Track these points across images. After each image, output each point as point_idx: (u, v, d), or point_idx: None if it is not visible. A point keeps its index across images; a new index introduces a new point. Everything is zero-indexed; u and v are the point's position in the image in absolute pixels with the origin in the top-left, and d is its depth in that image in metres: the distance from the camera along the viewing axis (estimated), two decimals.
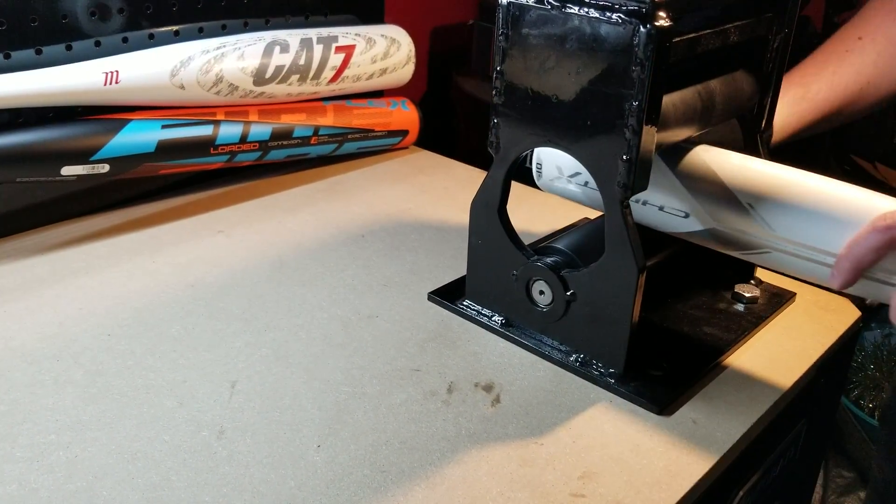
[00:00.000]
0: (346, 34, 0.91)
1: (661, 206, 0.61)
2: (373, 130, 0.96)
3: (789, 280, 0.73)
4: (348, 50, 0.90)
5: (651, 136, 0.52)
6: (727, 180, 0.59)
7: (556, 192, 0.68)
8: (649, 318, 0.66)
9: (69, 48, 0.75)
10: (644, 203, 0.62)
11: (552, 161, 0.66)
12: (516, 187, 0.62)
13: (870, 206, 0.53)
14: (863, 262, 0.51)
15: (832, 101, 0.75)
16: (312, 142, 0.90)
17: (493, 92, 0.58)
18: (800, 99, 0.74)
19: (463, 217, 0.65)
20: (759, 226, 0.57)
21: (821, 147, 1.59)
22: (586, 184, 0.64)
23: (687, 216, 0.60)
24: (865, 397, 1.45)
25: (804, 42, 1.40)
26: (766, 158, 0.65)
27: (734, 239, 0.58)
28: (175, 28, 0.82)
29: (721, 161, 0.60)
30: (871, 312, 1.43)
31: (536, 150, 0.67)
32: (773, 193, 0.56)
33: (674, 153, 0.61)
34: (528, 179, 0.69)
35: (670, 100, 0.57)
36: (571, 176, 0.65)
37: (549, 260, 0.61)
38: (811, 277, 0.56)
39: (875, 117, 1.48)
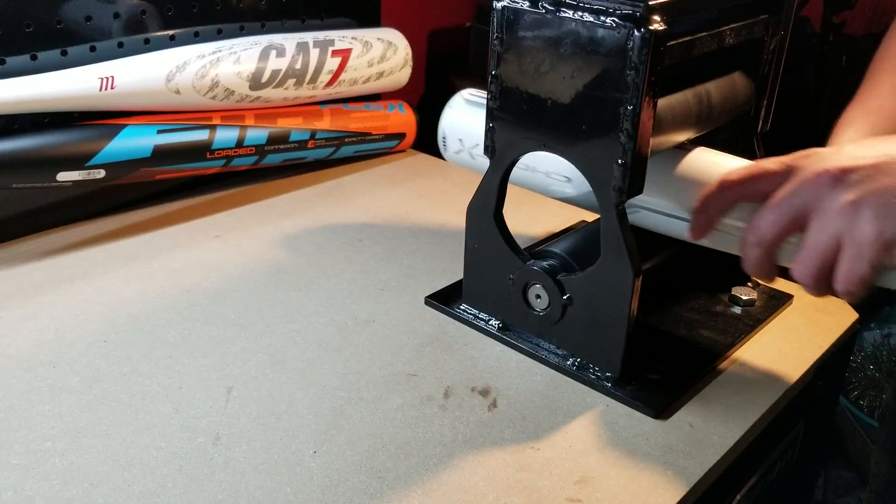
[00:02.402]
0: (342, 38, 0.91)
1: (548, 173, 0.64)
2: (370, 134, 0.95)
3: (787, 283, 0.73)
4: (345, 54, 0.90)
5: (646, 140, 0.52)
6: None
7: (461, 165, 0.71)
8: (646, 321, 0.65)
9: (64, 53, 0.75)
10: (532, 170, 0.65)
11: (455, 134, 0.70)
12: (513, 191, 0.62)
13: (721, 166, 0.57)
14: (713, 214, 0.56)
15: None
16: (309, 145, 0.90)
17: (489, 96, 0.58)
18: (863, 115, 0.72)
19: (460, 221, 0.65)
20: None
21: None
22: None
23: (569, 180, 0.63)
24: (865, 398, 1.45)
25: (803, 43, 1.40)
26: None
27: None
28: (171, 33, 0.82)
29: None
30: (870, 313, 1.43)
31: (441, 123, 0.71)
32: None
33: None
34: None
35: (666, 103, 0.57)
36: (473, 147, 0.68)
37: (545, 264, 0.60)
38: (672, 233, 0.60)
39: None
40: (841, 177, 0.50)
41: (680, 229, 0.59)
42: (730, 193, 0.55)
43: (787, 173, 0.53)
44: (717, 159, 0.60)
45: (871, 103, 0.68)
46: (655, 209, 0.60)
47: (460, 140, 0.70)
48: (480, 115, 0.67)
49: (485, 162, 0.64)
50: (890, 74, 0.71)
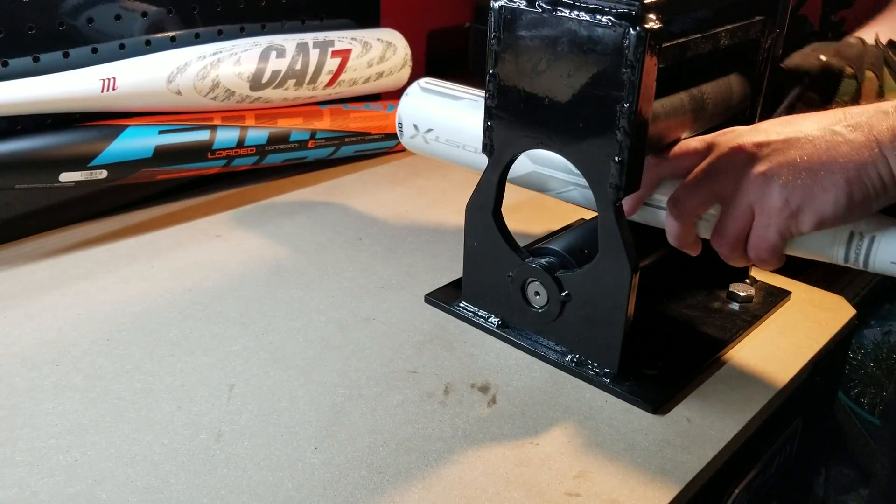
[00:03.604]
0: (342, 38, 0.91)
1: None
2: (369, 134, 0.96)
3: (784, 279, 0.74)
4: (344, 54, 0.91)
5: (642, 138, 0.53)
6: None
7: (416, 150, 0.75)
8: (644, 317, 0.66)
9: (66, 55, 0.76)
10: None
11: (410, 120, 0.73)
12: (511, 189, 0.63)
13: None
14: (640, 191, 0.58)
15: None
16: (309, 145, 0.91)
17: (486, 95, 0.59)
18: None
19: (459, 219, 0.65)
20: (563, 168, 0.63)
21: None
22: (437, 139, 0.71)
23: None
24: (865, 395, 1.45)
25: (801, 42, 1.41)
26: None
27: (543, 183, 0.65)
28: (171, 34, 0.82)
29: None
30: (870, 310, 1.43)
31: (398, 109, 0.74)
32: None
33: None
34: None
35: (661, 101, 0.57)
36: (427, 132, 0.72)
37: (543, 261, 0.61)
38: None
39: None
40: (755, 151, 0.53)
41: None
42: (654, 171, 0.58)
43: (706, 150, 0.57)
44: None
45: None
46: (585, 185, 0.61)
47: (415, 126, 0.73)
48: (434, 102, 0.71)
49: (437, 146, 0.69)
50: None
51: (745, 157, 0.54)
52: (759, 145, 0.53)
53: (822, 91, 0.76)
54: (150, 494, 0.48)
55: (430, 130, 0.72)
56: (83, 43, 0.77)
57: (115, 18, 0.78)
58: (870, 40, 0.79)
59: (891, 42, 0.79)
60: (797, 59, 0.77)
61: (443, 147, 0.71)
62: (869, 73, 0.77)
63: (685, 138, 0.62)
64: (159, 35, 0.81)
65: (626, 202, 0.59)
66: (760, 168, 0.53)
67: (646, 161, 0.56)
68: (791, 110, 0.75)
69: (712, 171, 0.55)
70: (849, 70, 0.76)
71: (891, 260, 0.52)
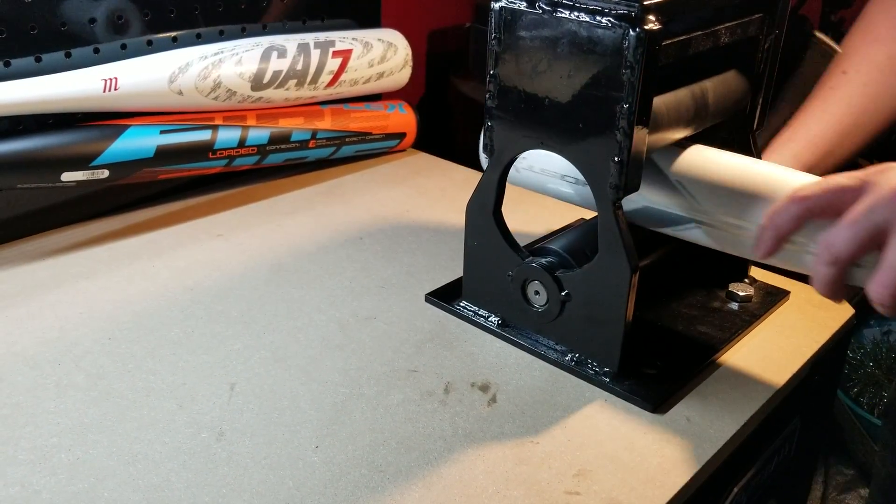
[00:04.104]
0: (342, 38, 0.92)
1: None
2: (370, 133, 0.96)
3: (783, 278, 0.74)
4: (345, 54, 0.91)
5: (642, 138, 0.53)
6: (657, 159, 0.61)
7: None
8: (643, 317, 0.66)
9: (68, 55, 0.76)
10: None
11: None
12: (511, 189, 0.63)
13: (787, 181, 0.56)
14: (783, 230, 0.53)
15: (828, 138, 0.74)
16: (310, 145, 0.91)
17: (487, 95, 0.59)
18: (787, 141, 0.74)
19: (460, 219, 0.66)
20: (686, 201, 0.60)
21: None
22: (531, 169, 0.66)
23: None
24: (865, 395, 1.45)
25: (801, 41, 1.41)
26: (757, 157, 0.66)
27: (663, 216, 0.61)
28: (173, 34, 0.83)
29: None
30: (869, 310, 1.44)
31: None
32: (702, 171, 0.59)
33: None
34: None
35: (662, 101, 0.57)
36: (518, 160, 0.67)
37: (543, 261, 0.61)
38: (733, 249, 0.59)
39: None
40: None
41: (739, 244, 0.58)
42: (801, 209, 0.53)
43: (862, 189, 0.51)
44: (780, 172, 0.59)
45: (811, 129, 0.69)
46: (712, 224, 0.59)
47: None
48: None
49: (530, 177, 0.65)
50: (823, 101, 0.72)
51: None
52: None
53: None
54: (152, 493, 0.48)
55: (522, 158, 0.66)
56: (85, 43, 0.77)
57: (117, 19, 0.78)
58: None
59: None
60: None
61: (536, 177, 0.65)
62: None
63: (685, 137, 0.62)
64: (161, 35, 0.82)
65: (766, 241, 0.54)
66: None
67: (790, 196, 0.53)
68: None
69: (872, 214, 0.49)
70: None
71: None
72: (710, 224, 0.59)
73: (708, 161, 0.60)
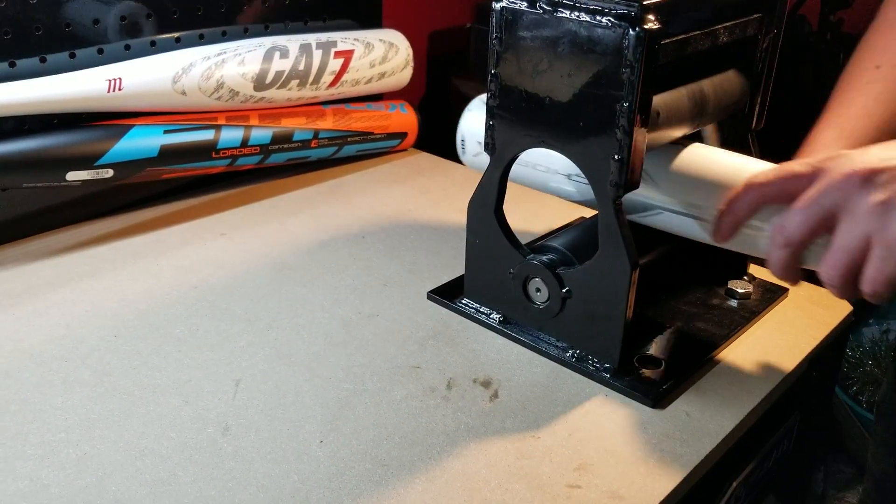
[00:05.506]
0: (344, 39, 0.92)
1: (569, 175, 0.65)
2: (372, 133, 0.97)
3: None
4: (347, 55, 0.92)
5: (642, 137, 0.54)
6: None
7: (480, 168, 0.69)
8: (643, 313, 0.67)
9: (73, 56, 0.77)
10: (531, 167, 0.66)
11: (474, 136, 0.70)
12: (513, 187, 0.64)
13: (744, 168, 0.58)
14: (740, 215, 0.56)
15: (871, 135, 0.75)
16: (312, 145, 0.91)
17: (488, 94, 0.59)
18: (837, 138, 0.74)
19: (461, 217, 0.66)
20: (653, 189, 0.61)
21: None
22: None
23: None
24: (864, 393, 1.46)
25: (800, 41, 1.42)
26: (757, 156, 0.66)
27: (633, 203, 0.63)
28: (176, 35, 0.83)
29: None
30: (867, 308, 1.44)
31: (460, 125, 0.72)
32: (666, 160, 0.61)
33: None
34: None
35: (661, 100, 0.58)
36: None
37: (544, 258, 0.62)
38: (693, 234, 0.61)
39: None
40: (870, 177, 0.50)
41: (698, 230, 0.60)
42: (756, 195, 0.55)
43: (814, 175, 0.53)
44: (739, 160, 0.60)
45: (845, 126, 0.69)
46: (675, 210, 0.60)
47: (480, 143, 0.68)
48: None
49: (530, 173, 0.65)
50: (859, 94, 0.72)
51: (859, 184, 0.50)
52: (876, 171, 0.50)
53: None
54: (159, 487, 0.49)
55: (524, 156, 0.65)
56: (89, 44, 0.77)
57: (121, 20, 0.79)
58: None
59: None
60: None
61: (517, 168, 0.64)
62: None
63: (685, 136, 0.63)
64: (164, 36, 0.82)
65: (724, 226, 0.57)
66: (879, 196, 0.49)
67: (746, 183, 0.55)
68: None
69: (823, 198, 0.51)
70: None
71: None
72: (673, 211, 0.61)
73: (672, 151, 0.62)
